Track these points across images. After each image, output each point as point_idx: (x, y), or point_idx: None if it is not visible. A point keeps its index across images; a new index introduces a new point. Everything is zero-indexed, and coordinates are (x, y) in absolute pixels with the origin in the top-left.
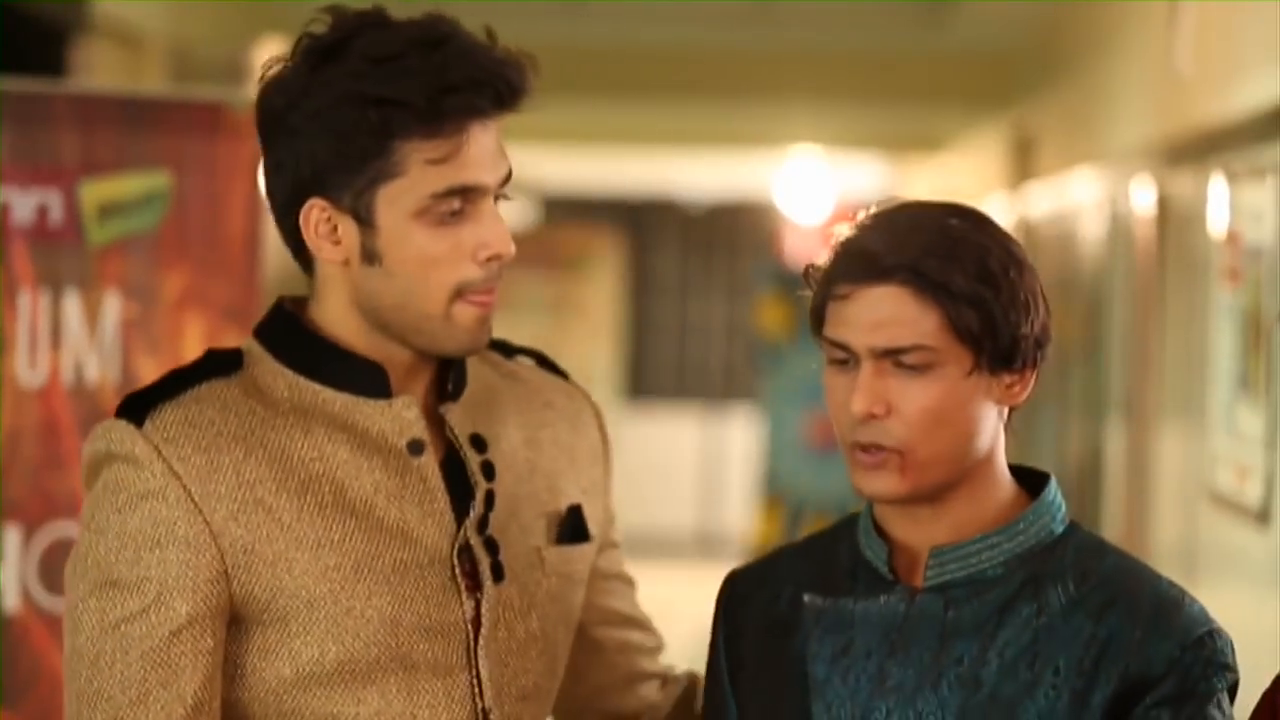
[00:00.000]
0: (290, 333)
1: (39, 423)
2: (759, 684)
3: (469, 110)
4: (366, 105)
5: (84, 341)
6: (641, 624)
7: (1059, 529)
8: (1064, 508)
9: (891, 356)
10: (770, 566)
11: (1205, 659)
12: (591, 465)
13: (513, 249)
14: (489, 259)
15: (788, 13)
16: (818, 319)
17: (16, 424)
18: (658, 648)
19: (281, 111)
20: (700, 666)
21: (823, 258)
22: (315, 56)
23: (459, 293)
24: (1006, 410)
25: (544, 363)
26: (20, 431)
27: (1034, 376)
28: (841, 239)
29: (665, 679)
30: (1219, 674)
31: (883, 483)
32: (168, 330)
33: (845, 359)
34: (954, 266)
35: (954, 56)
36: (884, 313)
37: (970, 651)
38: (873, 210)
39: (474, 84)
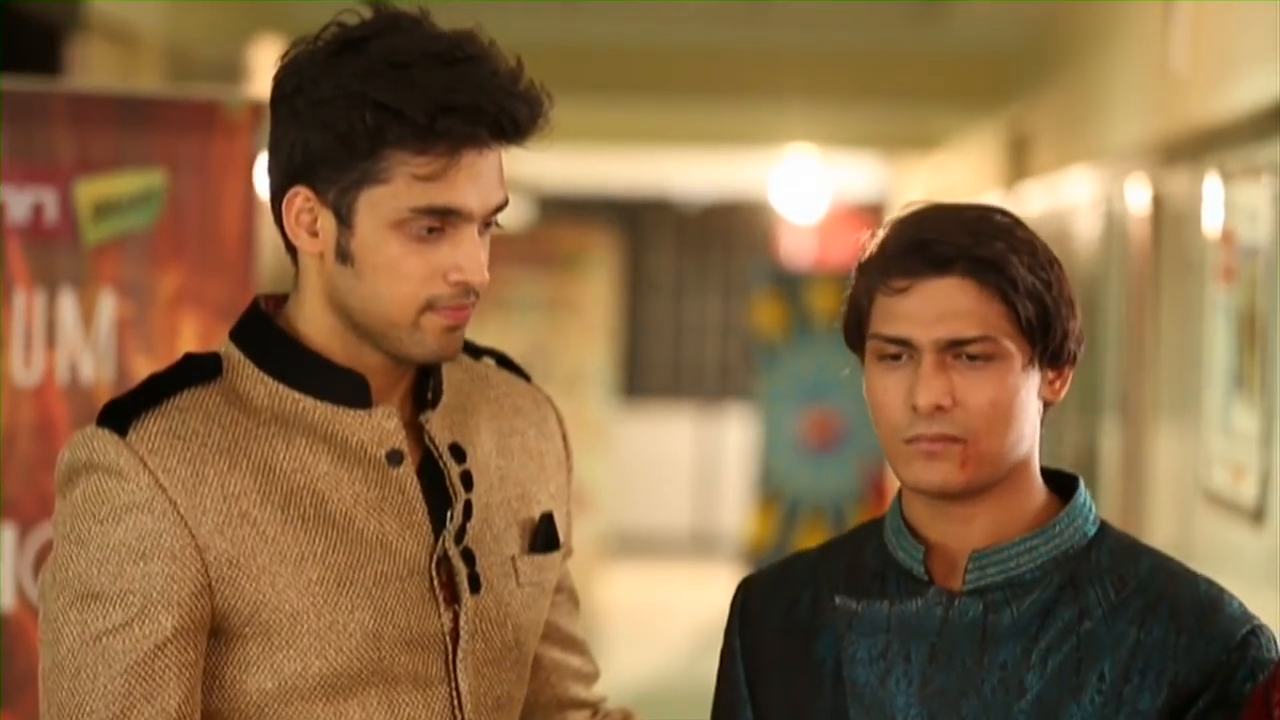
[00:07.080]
0: (269, 337)
1: (34, 422)
2: (786, 689)
3: (464, 135)
4: (366, 107)
5: (79, 340)
6: (581, 648)
7: (1091, 531)
8: (1094, 509)
9: (955, 349)
10: (787, 570)
11: (1252, 659)
12: (558, 471)
13: (486, 278)
14: (459, 282)
15: (783, 12)
16: (859, 317)
17: (12, 423)
18: (593, 675)
19: (289, 94)
20: (695, 663)
21: (868, 254)
22: (336, 46)
23: (429, 306)
24: (1043, 410)
25: (505, 363)
26: (15, 430)
27: (1070, 375)
28: (888, 234)
29: (597, 710)
30: (1265, 672)
31: (942, 472)
32: (163, 329)
33: (898, 354)
34: (1012, 258)
35: (949, 56)
36: (947, 304)
37: (1013, 656)
38: (910, 209)
39: (476, 110)
